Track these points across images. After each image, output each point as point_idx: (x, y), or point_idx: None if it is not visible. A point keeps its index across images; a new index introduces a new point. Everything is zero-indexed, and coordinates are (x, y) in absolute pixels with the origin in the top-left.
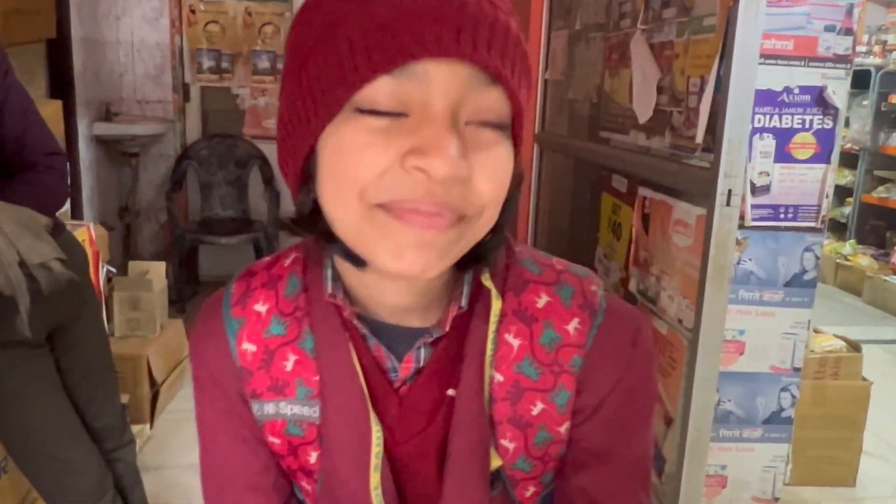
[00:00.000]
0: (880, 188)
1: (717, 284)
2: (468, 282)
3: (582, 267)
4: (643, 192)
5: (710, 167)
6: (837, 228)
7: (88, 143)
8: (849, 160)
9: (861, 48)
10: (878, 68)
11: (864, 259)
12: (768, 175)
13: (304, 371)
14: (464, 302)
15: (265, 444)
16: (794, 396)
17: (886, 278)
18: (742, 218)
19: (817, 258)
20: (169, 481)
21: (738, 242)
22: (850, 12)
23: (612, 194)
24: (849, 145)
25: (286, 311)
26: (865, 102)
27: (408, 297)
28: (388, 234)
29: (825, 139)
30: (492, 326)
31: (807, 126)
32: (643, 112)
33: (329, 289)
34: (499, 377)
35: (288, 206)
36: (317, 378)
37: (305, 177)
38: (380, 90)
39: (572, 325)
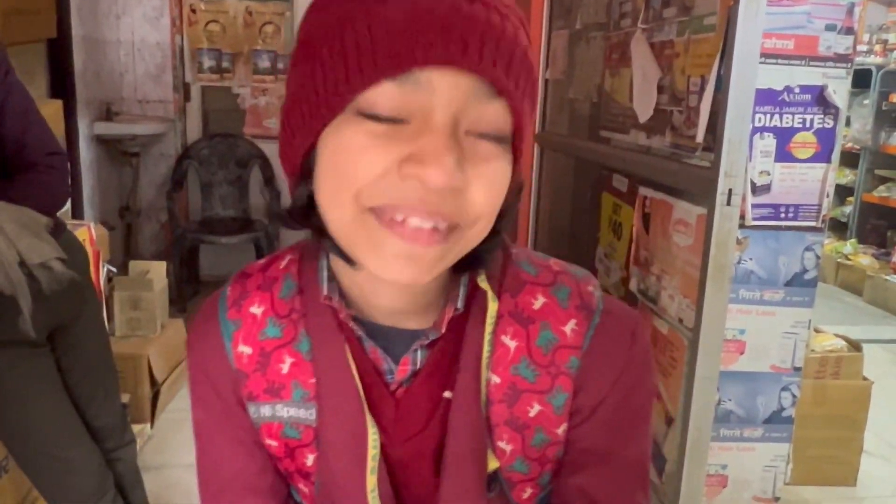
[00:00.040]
0: (881, 187)
1: (717, 284)
2: (464, 284)
3: (579, 268)
4: (644, 191)
5: (710, 166)
6: (838, 228)
7: (89, 143)
8: (850, 159)
9: (862, 47)
10: (879, 67)
11: (864, 258)
12: (769, 174)
13: (300, 373)
14: (460, 304)
15: (262, 447)
16: (794, 396)
17: (887, 278)
18: (742, 217)
19: (818, 257)
20: (169, 481)
21: (738, 242)
22: (850, 11)
23: (613, 194)
24: (849, 144)
25: (282, 314)
26: (866, 102)
27: (402, 299)
28: (378, 242)
29: (826, 138)
30: (488, 328)
31: (807, 125)
32: (643, 111)
33: (325, 290)
34: (495, 379)
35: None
36: (313, 380)
37: (304, 171)
38: (382, 94)
39: (569, 327)
